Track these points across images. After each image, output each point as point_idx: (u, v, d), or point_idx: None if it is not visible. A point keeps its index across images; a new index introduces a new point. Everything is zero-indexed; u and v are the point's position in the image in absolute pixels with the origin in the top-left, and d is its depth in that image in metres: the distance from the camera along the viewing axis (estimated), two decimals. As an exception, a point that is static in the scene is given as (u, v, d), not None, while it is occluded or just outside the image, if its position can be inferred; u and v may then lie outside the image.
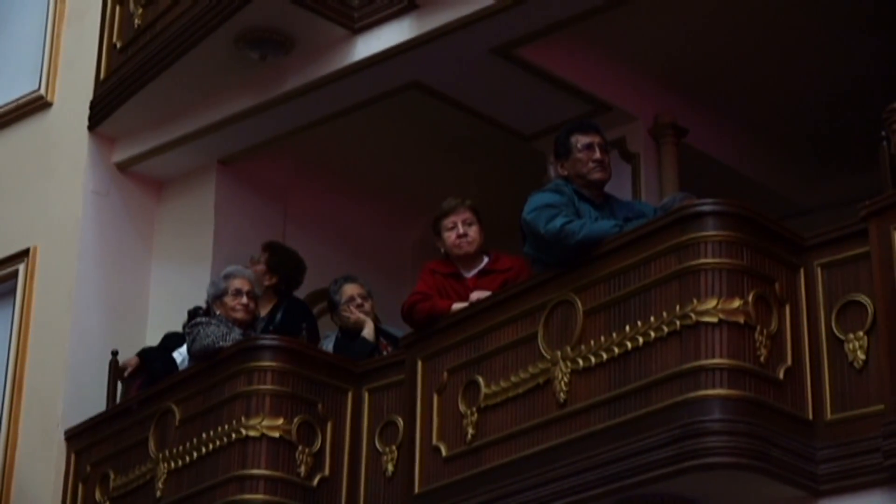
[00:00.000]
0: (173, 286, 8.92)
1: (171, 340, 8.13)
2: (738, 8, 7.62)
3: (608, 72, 8.20)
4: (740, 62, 8.04)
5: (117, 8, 9.25)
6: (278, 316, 8.05)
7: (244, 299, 7.85)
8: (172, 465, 7.58)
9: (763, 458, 5.69)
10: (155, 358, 8.18)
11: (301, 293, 8.40)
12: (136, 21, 8.98)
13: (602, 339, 6.18)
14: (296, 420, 7.27)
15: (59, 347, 8.80)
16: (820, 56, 7.78)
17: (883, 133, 5.91)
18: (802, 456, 5.79)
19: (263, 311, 8.12)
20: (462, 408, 6.70)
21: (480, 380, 6.65)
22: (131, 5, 9.07)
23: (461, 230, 7.29)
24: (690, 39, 7.90)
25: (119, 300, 9.01)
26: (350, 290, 7.95)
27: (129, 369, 8.29)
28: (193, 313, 8.08)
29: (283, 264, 8.22)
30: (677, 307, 5.92)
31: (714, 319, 5.83)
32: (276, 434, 7.21)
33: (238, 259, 8.30)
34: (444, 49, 7.89)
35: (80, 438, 8.42)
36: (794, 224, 6.63)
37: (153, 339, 8.51)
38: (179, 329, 8.17)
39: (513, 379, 6.50)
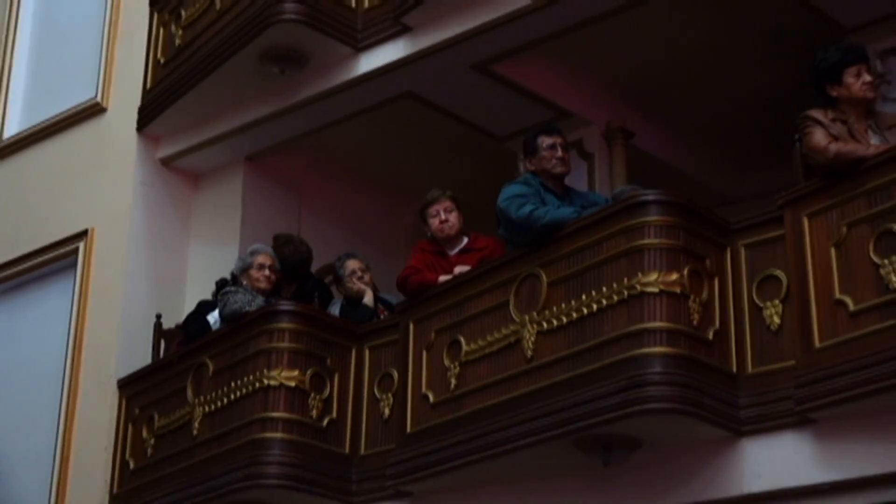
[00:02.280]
0: (207, 261, 8.90)
1: (205, 306, 8.10)
2: (679, 32, 7.63)
3: (568, 84, 8.20)
4: (679, 77, 8.05)
5: (161, 29, 9.23)
6: (310, 285, 8.09)
7: (266, 272, 7.85)
8: (206, 409, 7.58)
9: (695, 405, 5.69)
10: (191, 321, 8.17)
11: (312, 267, 8.36)
12: (177, 40, 8.97)
13: (563, 305, 6.18)
14: (309, 372, 7.27)
15: (113, 312, 8.78)
16: (746, 72, 7.79)
17: (796, 136, 5.92)
18: (728, 403, 5.80)
19: (288, 292, 8.12)
20: (446, 362, 6.70)
21: (462, 339, 6.65)
22: (173, 27, 9.07)
23: (443, 216, 7.30)
24: (638, 58, 7.90)
25: (162, 273, 8.99)
26: (352, 264, 7.94)
27: None
28: (222, 284, 8.06)
29: (285, 261, 8.15)
30: (625, 280, 5.93)
31: (655, 290, 5.84)
32: (293, 384, 7.21)
33: (261, 239, 8.29)
34: (432, 65, 7.89)
35: (130, 387, 8.42)
36: (723, 211, 6.61)
37: (190, 306, 8.49)
38: (211, 297, 8.15)
39: (488, 338, 6.50)
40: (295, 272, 8.18)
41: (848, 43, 6.38)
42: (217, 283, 8.18)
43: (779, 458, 5.70)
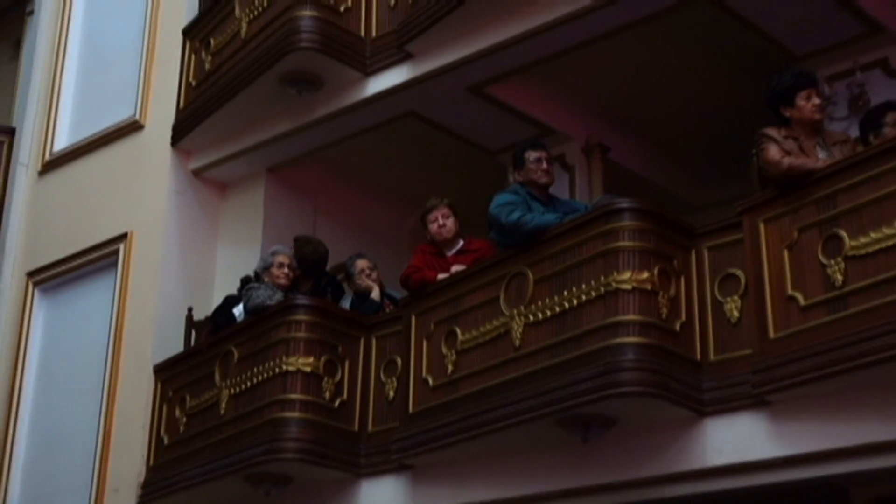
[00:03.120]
0: (233, 261, 8.89)
1: (231, 300, 8.10)
2: (650, 60, 7.64)
3: (552, 105, 8.20)
4: (651, 98, 8.05)
5: (193, 56, 9.23)
6: (325, 281, 8.08)
7: (286, 270, 7.85)
8: (232, 391, 7.57)
9: (664, 388, 5.70)
10: (219, 313, 8.17)
11: (326, 266, 8.35)
12: (207, 65, 8.98)
13: (547, 300, 6.18)
14: (322, 359, 7.25)
15: (149, 305, 8.78)
16: (709, 94, 7.79)
17: (753, 151, 5.93)
18: (692, 387, 5.80)
19: (306, 287, 8.10)
20: (444, 350, 6.69)
21: (457, 330, 6.65)
22: (203, 53, 9.07)
23: (441, 222, 7.29)
24: (614, 82, 7.91)
25: (193, 271, 8.99)
26: (361, 263, 7.93)
27: None
28: (245, 281, 8.06)
29: (304, 259, 8.14)
30: (602, 277, 5.92)
31: (629, 287, 5.84)
32: (308, 369, 7.20)
33: (281, 241, 8.28)
34: (432, 88, 7.89)
35: (165, 371, 8.40)
36: (688, 217, 6.63)
37: (218, 300, 8.49)
38: (236, 292, 8.13)
39: (481, 329, 6.50)
40: (313, 269, 8.16)
41: (799, 69, 6.39)
42: (242, 280, 8.17)
43: (737, 436, 5.70)
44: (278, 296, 7.61)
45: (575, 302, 6.01)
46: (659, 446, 5.94)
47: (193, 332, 8.63)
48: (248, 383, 7.44)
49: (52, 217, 9.94)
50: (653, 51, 7.50)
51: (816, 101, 5.98)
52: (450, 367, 6.63)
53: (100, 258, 9.32)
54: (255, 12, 8.50)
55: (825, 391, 5.38)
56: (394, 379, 7.12)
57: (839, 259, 5.33)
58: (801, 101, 5.93)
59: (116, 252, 9.15)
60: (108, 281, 9.16)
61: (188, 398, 8.01)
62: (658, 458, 5.94)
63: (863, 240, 5.25)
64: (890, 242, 5.15)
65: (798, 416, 5.50)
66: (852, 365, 5.17)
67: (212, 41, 8.99)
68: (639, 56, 7.56)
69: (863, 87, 6.98)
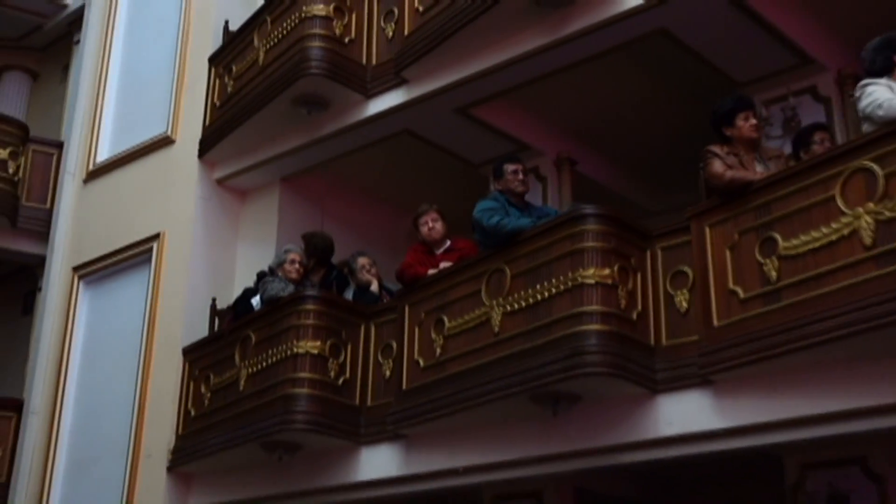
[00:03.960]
0: (251, 258, 8.87)
1: (249, 292, 8.09)
2: (613, 85, 7.63)
3: (528, 124, 8.20)
4: (613, 119, 8.04)
5: (217, 80, 9.22)
6: (333, 276, 8.07)
7: (297, 265, 7.85)
8: (250, 370, 7.57)
9: (622, 369, 5.71)
10: (239, 303, 8.16)
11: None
12: (229, 88, 8.97)
13: (522, 293, 6.18)
14: (328, 342, 7.26)
15: (178, 296, 8.76)
16: (663, 115, 7.80)
17: (700, 165, 5.93)
18: (647, 368, 5.82)
19: (315, 277, 8.10)
20: (433, 335, 6.69)
21: (445, 318, 6.65)
22: (226, 78, 9.06)
23: (430, 225, 7.29)
24: (582, 104, 7.90)
25: (216, 266, 8.97)
26: (362, 260, 7.93)
27: None
28: (261, 275, 8.05)
29: (314, 249, 8.16)
30: (569, 273, 5.93)
31: (592, 281, 5.85)
32: (316, 351, 7.21)
33: (293, 241, 8.29)
34: (424, 110, 7.88)
35: (192, 353, 8.40)
36: (645, 222, 6.63)
37: (238, 291, 8.47)
38: (253, 285, 8.13)
39: (465, 317, 6.50)
40: (323, 256, 8.18)
41: (739, 94, 6.41)
42: (258, 274, 8.17)
43: (685, 410, 5.71)
44: (290, 288, 7.62)
45: (546, 294, 6.02)
46: (618, 419, 5.95)
47: (216, 320, 8.64)
48: (264, 363, 7.45)
49: (94, 219, 9.93)
50: (616, 78, 7.51)
51: (753, 121, 6.00)
52: (438, 350, 6.63)
53: (136, 255, 9.30)
54: (271, 42, 8.50)
55: (761, 372, 5.40)
56: (390, 360, 7.13)
57: (773, 258, 5.35)
58: (740, 121, 5.96)
59: (150, 250, 9.13)
60: (142, 274, 9.15)
61: (212, 376, 8.01)
62: (617, 430, 5.96)
63: (794, 242, 5.27)
64: (817, 244, 5.17)
65: (738, 393, 5.53)
66: (785, 349, 5.20)
67: (234, 67, 8.98)
68: (603, 82, 7.56)
69: (795, 110, 6.99)
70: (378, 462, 7.09)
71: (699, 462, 5.99)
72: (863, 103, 5.25)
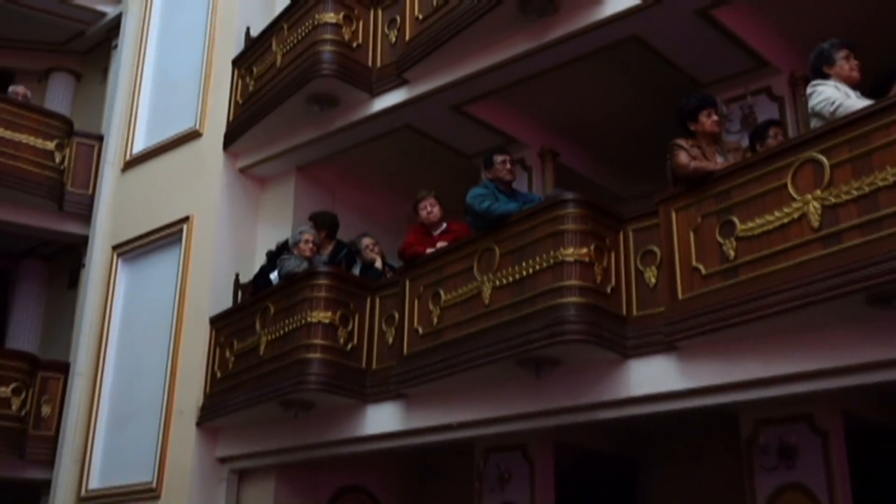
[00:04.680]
0: (269, 238, 8.79)
1: (267, 268, 8.08)
2: (592, 85, 7.55)
3: (515, 120, 8.14)
4: (591, 115, 7.99)
5: (240, 80, 9.16)
6: (343, 254, 7.99)
7: (310, 245, 7.79)
8: (269, 337, 7.55)
9: (597, 336, 5.72)
10: (258, 278, 8.15)
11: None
12: (251, 87, 8.91)
13: (509, 269, 6.17)
14: (338, 313, 7.24)
15: (206, 272, 8.72)
16: (635, 111, 7.73)
17: (667, 156, 5.91)
18: (619, 335, 5.82)
19: (326, 251, 8.05)
20: (431, 307, 6.68)
21: (441, 291, 6.63)
22: (247, 79, 8.99)
23: (428, 209, 7.28)
24: (563, 102, 7.84)
25: (239, 245, 8.91)
26: (366, 241, 7.90)
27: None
28: (271, 254, 8.09)
29: (323, 223, 8.14)
30: (551, 252, 5.93)
31: (571, 259, 5.84)
32: (327, 320, 7.19)
33: (306, 223, 8.22)
34: (423, 107, 7.83)
35: (218, 322, 8.37)
36: (618, 207, 6.62)
37: (258, 268, 8.44)
38: (266, 262, 8.15)
39: (459, 291, 6.49)
40: (331, 229, 8.14)
41: (702, 93, 6.38)
42: (266, 254, 8.23)
43: (653, 373, 5.72)
44: (304, 265, 7.58)
45: (531, 270, 6.01)
46: (593, 381, 5.96)
47: (239, 292, 8.61)
48: (281, 331, 7.43)
49: (131, 203, 9.88)
50: (593, 79, 7.46)
51: (715, 118, 5.99)
52: (435, 320, 6.62)
53: (168, 235, 9.25)
54: (288, 47, 8.44)
55: (720, 339, 5.41)
56: (392, 329, 7.11)
57: (731, 239, 5.35)
58: (703, 118, 5.94)
59: (181, 230, 9.09)
60: (174, 252, 9.11)
61: (235, 343, 8.00)
62: (592, 390, 5.96)
63: (750, 224, 5.27)
64: (770, 227, 5.18)
65: (699, 358, 5.53)
66: (741, 319, 5.21)
67: (254, 69, 8.92)
68: (583, 83, 7.51)
69: (752, 108, 6.97)
70: (382, 418, 7.09)
71: (665, 418, 6.00)
72: (813, 101, 5.25)
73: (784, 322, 5.10)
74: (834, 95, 5.14)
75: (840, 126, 4.98)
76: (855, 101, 5.14)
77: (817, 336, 5.08)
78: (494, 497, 7.14)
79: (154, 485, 8.34)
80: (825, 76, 5.35)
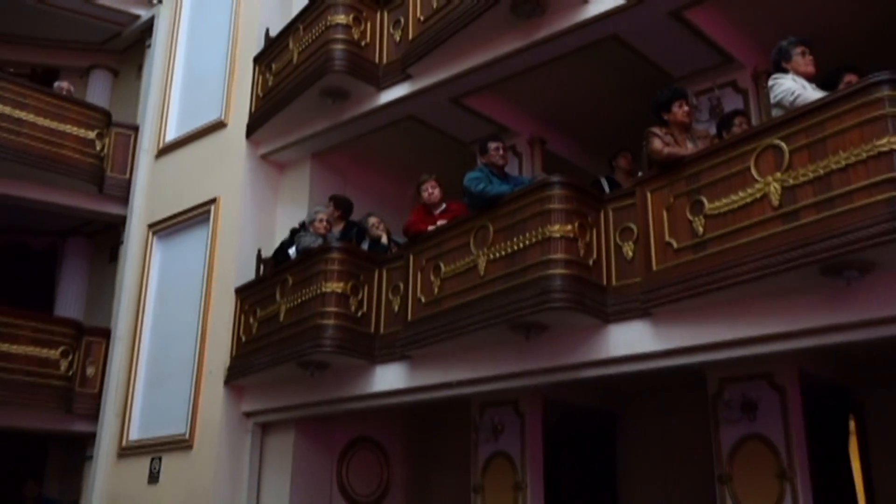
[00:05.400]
0: (287, 217, 8.79)
1: (286, 244, 8.08)
2: (576, 79, 7.49)
3: (507, 110, 8.09)
4: (575, 106, 7.94)
5: (260, 76, 9.09)
6: (353, 231, 7.98)
7: (324, 223, 7.77)
8: (288, 305, 7.55)
9: (581, 304, 5.71)
10: (278, 252, 8.13)
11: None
12: (270, 82, 8.85)
13: (502, 244, 6.15)
14: (349, 283, 7.23)
15: (233, 249, 8.70)
16: (615, 103, 7.66)
17: (643, 143, 5.89)
18: (600, 303, 5.81)
19: (338, 229, 8.03)
20: (432, 278, 6.67)
21: (441, 264, 6.62)
22: (267, 74, 8.93)
23: (430, 191, 7.24)
24: (550, 95, 7.80)
25: (261, 224, 8.88)
26: (372, 220, 7.89)
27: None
28: (294, 231, 8.06)
29: (340, 205, 8.13)
30: (539, 229, 5.91)
31: (557, 235, 5.83)
32: (340, 290, 7.18)
33: (321, 204, 8.22)
34: (424, 99, 7.78)
35: (242, 292, 8.36)
36: (600, 189, 6.58)
37: (277, 244, 8.43)
38: (288, 238, 8.13)
39: (458, 264, 6.47)
40: (346, 210, 8.14)
41: (675, 86, 6.34)
42: (291, 230, 8.18)
43: (630, 336, 5.72)
44: (319, 241, 7.56)
45: (521, 245, 6.00)
46: (577, 343, 5.96)
47: (261, 266, 8.59)
48: (299, 300, 7.42)
49: (164, 186, 9.84)
50: (577, 74, 7.40)
51: (686, 108, 5.95)
52: (436, 290, 6.61)
53: (197, 214, 9.22)
54: (303, 46, 8.38)
55: (690, 306, 5.40)
56: (398, 297, 7.10)
57: (701, 216, 5.33)
58: (675, 108, 5.90)
59: (209, 211, 9.06)
60: (203, 230, 9.09)
61: (258, 310, 7.99)
62: (577, 351, 5.96)
63: (717, 203, 5.25)
64: (735, 206, 5.16)
65: (671, 323, 5.53)
66: (708, 288, 5.20)
67: (273, 66, 8.86)
68: (568, 77, 7.46)
69: (719, 100, 6.93)
70: (389, 377, 7.10)
71: (640, 377, 6.00)
72: (774, 92, 5.22)
73: (747, 291, 5.09)
74: (793, 87, 5.12)
75: (798, 115, 4.96)
76: (811, 93, 5.12)
77: (776, 303, 5.08)
78: (489, 447, 7.16)
79: (187, 436, 8.37)
80: (784, 70, 5.33)
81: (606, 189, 6.66)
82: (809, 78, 5.29)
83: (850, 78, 5.16)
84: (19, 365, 9.14)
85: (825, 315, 4.92)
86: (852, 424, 6.54)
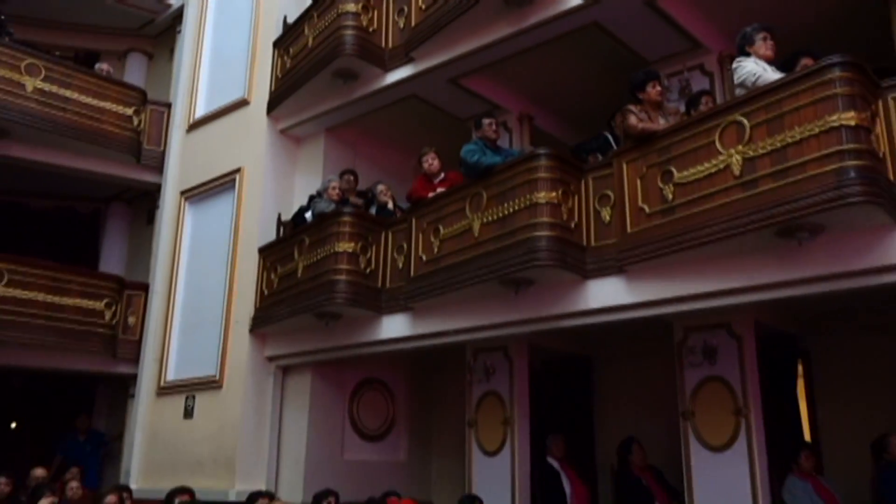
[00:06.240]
0: (304, 185, 8.74)
1: (302, 209, 8.03)
2: (562, 62, 7.40)
3: (499, 90, 7.99)
4: (560, 86, 7.85)
5: (279, 59, 8.97)
6: (373, 206, 7.89)
7: (337, 190, 7.73)
8: (304, 263, 7.52)
9: (563, 262, 5.70)
10: (296, 216, 8.09)
11: (361, 188, 8.29)
12: (287, 64, 8.73)
13: (494, 209, 6.12)
14: (359, 244, 7.20)
15: (256, 213, 8.63)
16: (596, 83, 7.57)
17: (620, 119, 5.83)
18: (581, 261, 5.80)
19: (351, 197, 7.98)
20: (432, 239, 6.64)
21: (440, 227, 6.59)
22: (285, 57, 8.81)
23: (430, 161, 7.18)
24: (538, 76, 7.69)
25: (281, 192, 8.81)
26: (380, 187, 7.85)
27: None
28: (311, 197, 8.01)
29: (356, 178, 8.09)
30: (527, 195, 5.87)
31: (543, 201, 5.79)
32: (351, 250, 7.16)
33: (334, 174, 8.18)
34: (425, 80, 7.66)
35: (265, 252, 8.32)
36: (581, 159, 6.52)
37: (295, 209, 8.40)
38: (305, 204, 8.07)
39: (455, 227, 6.44)
40: (356, 179, 8.12)
41: (648, 68, 6.26)
42: (309, 197, 8.12)
43: (606, 290, 5.71)
44: (332, 206, 7.52)
45: (511, 210, 5.96)
46: (560, 296, 5.95)
47: (281, 228, 8.54)
48: (314, 258, 7.39)
49: (195, 158, 9.75)
50: (562, 57, 7.30)
51: (659, 88, 5.88)
52: (436, 249, 6.59)
53: (224, 182, 9.14)
54: (317, 31, 8.25)
55: (660, 264, 5.39)
56: (402, 256, 7.08)
57: (671, 185, 5.29)
58: (649, 88, 5.83)
59: (234, 179, 8.99)
60: (229, 196, 9.02)
61: (278, 267, 7.97)
62: (559, 303, 5.96)
63: (685, 173, 5.21)
64: (701, 175, 5.12)
65: (643, 278, 5.52)
66: (676, 248, 5.19)
67: (291, 49, 8.73)
68: (553, 60, 7.37)
69: (688, 81, 6.85)
70: (394, 326, 7.11)
71: (615, 326, 6.00)
72: (738, 74, 5.17)
73: (710, 250, 5.07)
74: (755, 69, 5.07)
75: (758, 94, 4.90)
76: (771, 74, 5.06)
77: (736, 261, 5.07)
78: (482, 387, 7.20)
79: (217, 377, 8.40)
80: (747, 54, 5.26)
81: (612, 142, 6.56)
82: (770, 61, 5.22)
83: (806, 61, 5.09)
84: (69, 315, 9.17)
85: (779, 272, 4.92)
86: (800, 368, 6.57)
